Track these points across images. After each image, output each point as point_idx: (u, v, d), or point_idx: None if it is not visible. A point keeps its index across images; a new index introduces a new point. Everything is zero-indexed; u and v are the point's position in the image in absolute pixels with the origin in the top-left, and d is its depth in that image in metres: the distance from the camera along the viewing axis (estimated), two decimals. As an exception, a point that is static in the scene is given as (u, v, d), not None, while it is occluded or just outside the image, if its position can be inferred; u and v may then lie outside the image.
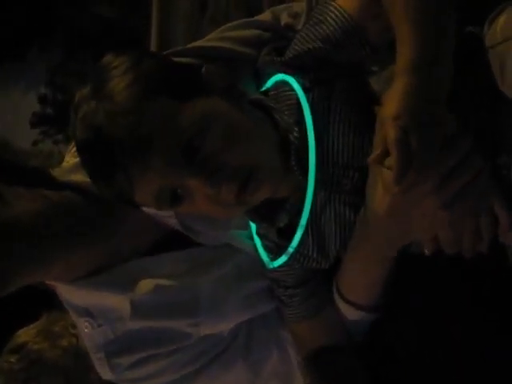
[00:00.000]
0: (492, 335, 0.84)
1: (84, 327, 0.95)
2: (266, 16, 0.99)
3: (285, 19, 0.95)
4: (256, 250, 0.92)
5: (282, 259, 0.88)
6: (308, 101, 0.81)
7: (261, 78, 0.89)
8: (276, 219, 0.85)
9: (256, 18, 1.00)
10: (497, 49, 0.77)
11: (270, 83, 0.86)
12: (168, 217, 0.91)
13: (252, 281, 0.95)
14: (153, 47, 1.92)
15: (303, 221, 0.83)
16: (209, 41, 0.98)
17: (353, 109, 0.81)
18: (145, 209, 0.89)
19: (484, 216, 0.75)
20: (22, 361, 1.42)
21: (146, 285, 0.91)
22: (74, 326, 1.53)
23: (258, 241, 0.91)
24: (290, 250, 0.86)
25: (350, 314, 0.88)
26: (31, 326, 1.47)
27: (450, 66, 0.73)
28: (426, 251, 0.79)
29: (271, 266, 0.89)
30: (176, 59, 0.89)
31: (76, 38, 3.71)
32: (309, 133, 0.80)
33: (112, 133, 0.73)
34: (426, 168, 0.69)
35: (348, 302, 0.88)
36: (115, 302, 0.92)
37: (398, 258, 0.85)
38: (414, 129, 0.68)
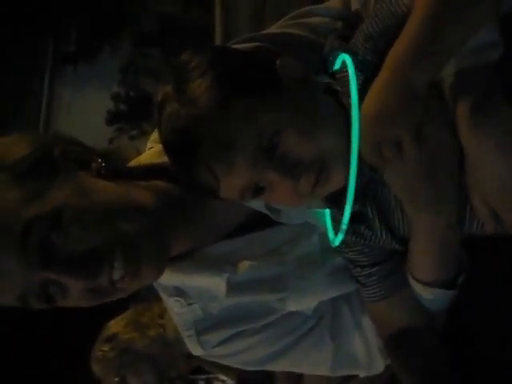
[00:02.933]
0: None
1: (174, 306, 0.98)
2: (335, 2, 0.96)
3: (355, 5, 0.92)
4: (326, 229, 0.93)
5: (340, 237, 0.88)
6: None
7: (327, 63, 0.88)
8: (341, 203, 0.86)
9: (325, 4, 0.98)
10: None
11: (337, 65, 0.85)
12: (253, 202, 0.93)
13: (335, 257, 0.96)
14: (217, 40, 1.94)
15: (350, 196, 0.84)
16: (280, 27, 0.97)
17: None
18: None
19: None
20: (114, 350, 1.51)
21: (240, 265, 0.94)
22: (161, 317, 1.61)
23: (329, 221, 0.92)
24: (343, 227, 0.86)
25: (423, 291, 0.88)
26: (120, 317, 1.55)
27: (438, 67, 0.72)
28: (487, 229, 0.78)
29: (333, 245, 0.90)
30: (246, 45, 0.90)
31: (142, 37, 3.81)
32: (353, 109, 0.81)
33: (195, 136, 0.75)
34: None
35: (417, 280, 0.88)
36: (211, 283, 0.94)
37: (467, 239, 0.84)
38: (383, 139, 0.72)
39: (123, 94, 4.13)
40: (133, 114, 4.03)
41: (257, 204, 0.92)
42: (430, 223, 0.82)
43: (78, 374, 1.63)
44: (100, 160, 0.85)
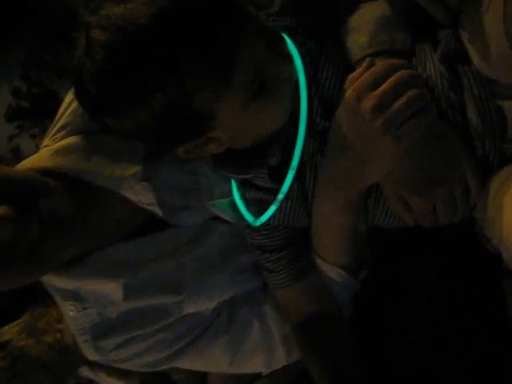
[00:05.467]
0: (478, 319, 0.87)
1: (69, 310, 0.95)
2: None
3: None
4: (239, 215, 0.92)
5: (271, 210, 0.89)
6: (296, 44, 0.86)
7: None
8: (268, 156, 0.85)
9: None
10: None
11: None
12: (148, 204, 0.91)
13: (236, 258, 0.97)
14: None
15: (294, 162, 0.85)
16: None
17: (340, 62, 0.83)
18: (127, 195, 0.89)
19: (458, 185, 0.77)
20: (6, 358, 1.42)
21: (137, 269, 0.92)
22: (59, 321, 1.53)
23: (241, 205, 0.92)
24: (280, 196, 0.87)
25: (325, 267, 0.90)
26: (15, 323, 1.46)
27: None
28: (407, 221, 0.81)
29: (258, 223, 0.90)
30: None
31: (49, 31, 3.65)
32: (300, 78, 0.84)
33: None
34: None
35: (320, 257, 0.90)
36: (107, 288, 0.92)
37: (377, 234, 0.87)
38: None
39: (25, 90, 3.94)
40: (35, 112, 3.85)
41: (154, 208, 0.91)
42: (338, 203, 0.84)
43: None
44: None
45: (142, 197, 0.92)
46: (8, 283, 0.84)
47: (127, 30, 0.70)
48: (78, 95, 0.78)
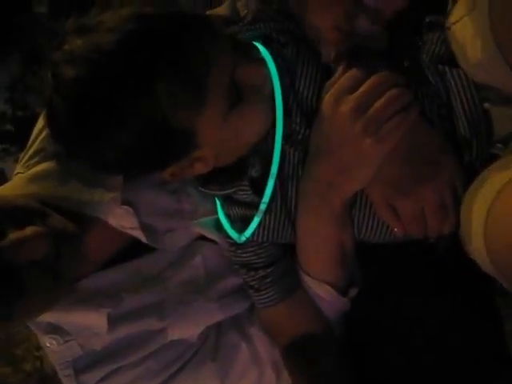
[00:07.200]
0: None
1: (49, 344, 0.90)
2: (222, 9, 0.94)
3: (243, 11, 0.93)
4: (224, 233, 0.89)
5: (255, 222, 0.85)
6: (272, 55, 0.81)
7: None
8: (247, 167, 0.83)
9: (213, 11, 0.97)
10: (453, 28, 0.75)
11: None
12: (131, 228, 0.88)
13: (222, 280, 0.93)
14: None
15: (273, 169, 0.82)
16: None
17: (317, 68, 0.82)
18: (108, 220, 0.86)
19: (446, 188, 0.75)
20: (-17, 388, 1.37)
21: (120, 297, 0.88)
22: (38, 349, 1.49)
23: (225, 222, 0.89)
24: (263, 206, 0.84)
25: (316, 287, 0.87)
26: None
27: None
28: (396, 229, 0.79)
29: (243, 239, 0.87)
30: None
31: (34, 54, 3.66)
32: (274, 83, 0.80)
33: (169, 24, 0.70)
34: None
35: (306, 273, 0.87)
36: (90, 319, 0.88)
37: (368, 252, 0.85)
38: None
39: (10, 114, 3.92)
40: (20, 135, 3.83)
41: (137, 232, 0.88)
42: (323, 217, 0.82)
43: None
44: None
45: (124, 221, 0.89)
46: (43, 306, 0.78)
47: (93, 60, 0.67)
48: (53, 135, 0.76)
